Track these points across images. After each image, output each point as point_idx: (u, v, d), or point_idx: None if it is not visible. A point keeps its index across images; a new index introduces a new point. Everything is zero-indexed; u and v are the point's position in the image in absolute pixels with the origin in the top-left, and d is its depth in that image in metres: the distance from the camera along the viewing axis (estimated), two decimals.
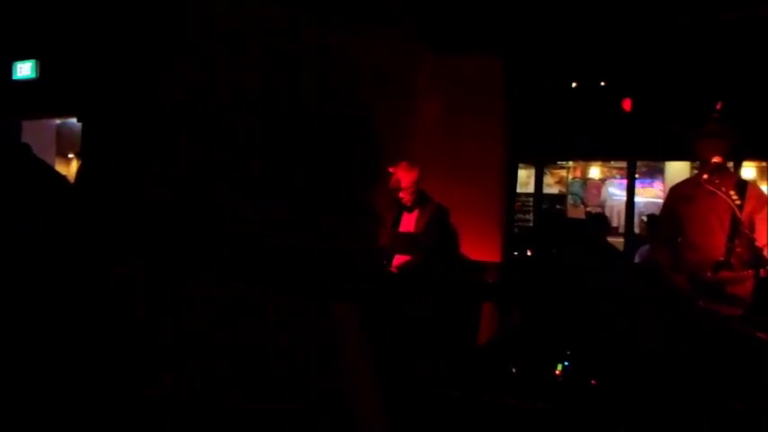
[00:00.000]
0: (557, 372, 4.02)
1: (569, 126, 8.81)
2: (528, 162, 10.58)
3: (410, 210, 5.71)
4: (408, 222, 5.74)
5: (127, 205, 0.89)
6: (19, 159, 1.31)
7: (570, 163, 12.00)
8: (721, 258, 4.49)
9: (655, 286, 4.78)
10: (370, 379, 0.93)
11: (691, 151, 5.02)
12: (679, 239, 4.77)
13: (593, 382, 3.80)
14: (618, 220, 11.14)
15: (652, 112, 8.07)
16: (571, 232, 7.96)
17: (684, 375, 3.58)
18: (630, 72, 7.70)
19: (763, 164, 10.10)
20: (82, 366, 0.84)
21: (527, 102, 7.85)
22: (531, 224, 10.69)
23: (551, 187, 11.85)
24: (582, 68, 7.93)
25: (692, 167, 8.77)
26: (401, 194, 5.61)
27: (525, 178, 10.84)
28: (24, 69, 10.78)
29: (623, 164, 11.00)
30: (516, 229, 9.61)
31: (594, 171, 12.07)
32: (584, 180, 12.15)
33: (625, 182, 10.84)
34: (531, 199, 10.91)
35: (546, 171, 11.36)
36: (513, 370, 4.07)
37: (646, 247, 7.68)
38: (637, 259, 7.95)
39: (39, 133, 10.08)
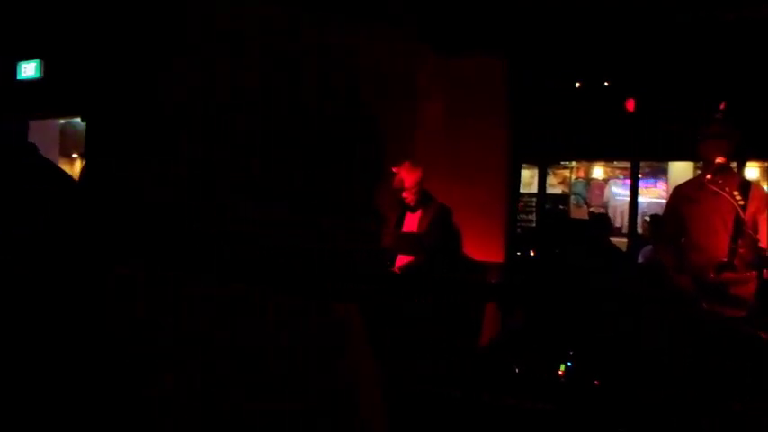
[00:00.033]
0: (560, 372, 4.01)
1: (572, 126, 8.81)
2: (531, 162, 10.58)
3: (413, 210, 5.72)
4: (411, 223, 5.74)
5: (127, 205, 0.89)
6: (21, 159, 1.31)
7: (573, 163, 11.99)
8: (724, 259, 4.48)
9: (658, 287, 4.78)
10: (372, 379, 0.93)
11: (694, 152, 5.01)
12: (682, 240, 4.76)
13: (596, 382, 3.80)
14: (621, 220, 11.13)
15: (655, 113, 8.06)
16: (574, 233, 7.95)
17: (686, 376, 3.57)
18: (634, 72, 7.70)
19: (767, 164, 10.08)
20: (82, 366, 0.84)
21: (530, 102, 7.85)
22: (534, 224, 10.69)
23: (554, 187, 11.84)
24: (585, 69, 7.93)
25: (696, 168, 8.75)
26: (404, 194, 5.61)
27: (528, 178, 10.84)
28: (29, 69, 10.81)
29: (626, 164, 10.99)
30: (519, 230, 9.61)
31: (598, 171, 12.05)
32: (588, 180, 12.14)
33: (628, 182, 10.83)
34: (534, 199, 10.90)
35: (549, 171, 11.35)
36: (517, 370, 4.07)
37: (649, 248, 7.68)
38: (640, 260, 7.95)
39: (42, 133, 10.12)
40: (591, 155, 11.06)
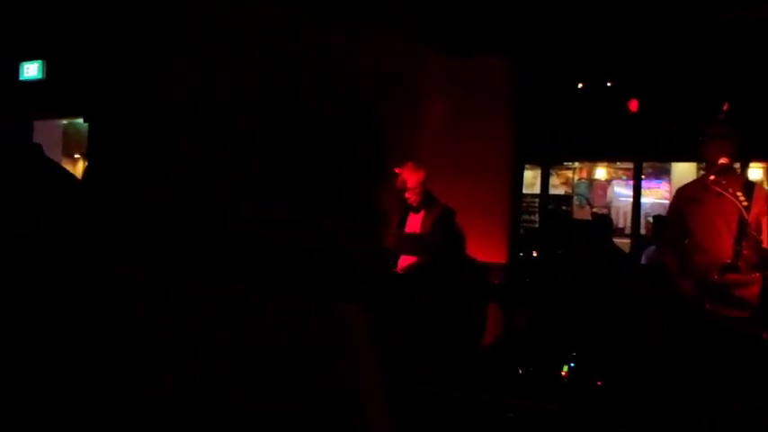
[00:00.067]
0: (563, 373, 4.01)
1: (575, 127, 8.80)
2: (534, 163, 10.57)
3: (416, 210, 5.71)
4: (414, 223, 5.74)
5: (127, 205, 0.89)
6: (23, 159, 1.31)
7: (576, 164, 11.98)
8: (728, 261, 4.46)
9: (661, 288, 4.77)
10: (375, 379, 0.93)
11: (697, 152, 4.99)
12: (686, 242, 4.75)
13: (599, 383, 3.79)
14: (624, 221, 11.12)
15: (658, 113, 8.05)
16: (577, 233, 7.94)
17: (687, 376, 3.57)
18: (636, 73, 7.69)
19: None
20: (82, 366, 0.84)
21: (533, 102, 7.85)
22: (537, 225, 10.68)
23: (557, 188, 11.83)
24: (588, 69, 7.92)
25: (699, 168, 8.74)
26: (407, 195, 5.61)
27: (531, 179, 10.83)
28: (31, 70, 10.82)
29: (629, 165, 10.97)
30: (522, 230, 9.61)
31: (600, 172, 12.04)
32: (591, 181, 12.12)
33: (631, 183, 10.81)
34: (536, 200, 10.89)
35: (552, 172, 11.34)
36: (520, 371, 4.07)
37: (652, 248, 7.66)
38: (643, 260, 7.93)
39: (45, 134, 10.12)
40: (594, 155, 11.05)
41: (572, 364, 3.99)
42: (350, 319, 0.90)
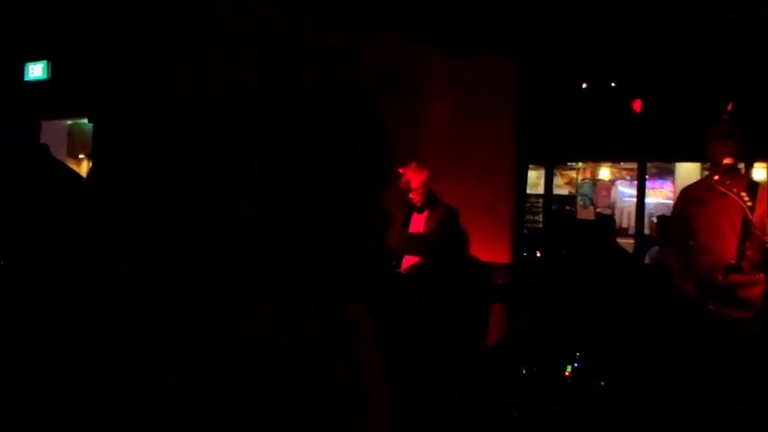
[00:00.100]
0: (566, 373, 4.01)
1: (579, 127, 8.78)
2: (538, 163, 10.55)
3: (420, 211, 5.71)
4: (418, 223, 5.74)
5: (127, 205, 0.89)
6: (23, 160, 1.31)
7: (580, 164, 11.97)
8: (732, 261, 4.45)
9: (664, 288, 4.76)
10: (378, 379, 0.93)
11: (701, 152, 4.98)
12: (690, 242, 4.73)
13: (601, 383, 3.79)
14: (628, 221, 11.10)
15: (662, 113, 8.04)
16: (581, 233, 7.93)
17: (688, 376, 3.56)
18: (640, 73, 7.68)
19: None
20: (82, 366, 0.84)
21: (537, 103, 7.84)
22: (541, 225, 10.66)
23: (561, 188, 11.82)
24: (592, 69, 7.91)
25: (703, 169, 8.72)
26: (411, 195, 5.61)
27: (535, 179, 10.82)
28: (36, 70, 10.84)
29: (633, 165, 10.95)
30: (526, 231, 9.59)
31: (604, 172, 12.03)
32: (594, 181, 12.11)
33: (635, 183, 10.80)
34: (540, 200, 10.87)
35: (556, 172, 11.33)
36: (523, 371, 4.07)
37: (655, 249, 7.65)
38: (647, 260, 7.92)
39: (50, 134, 10.12)
40: (598, 155, 11.03)
41: (575, 365, 3.99)
42: (350, 319, 0.90)
